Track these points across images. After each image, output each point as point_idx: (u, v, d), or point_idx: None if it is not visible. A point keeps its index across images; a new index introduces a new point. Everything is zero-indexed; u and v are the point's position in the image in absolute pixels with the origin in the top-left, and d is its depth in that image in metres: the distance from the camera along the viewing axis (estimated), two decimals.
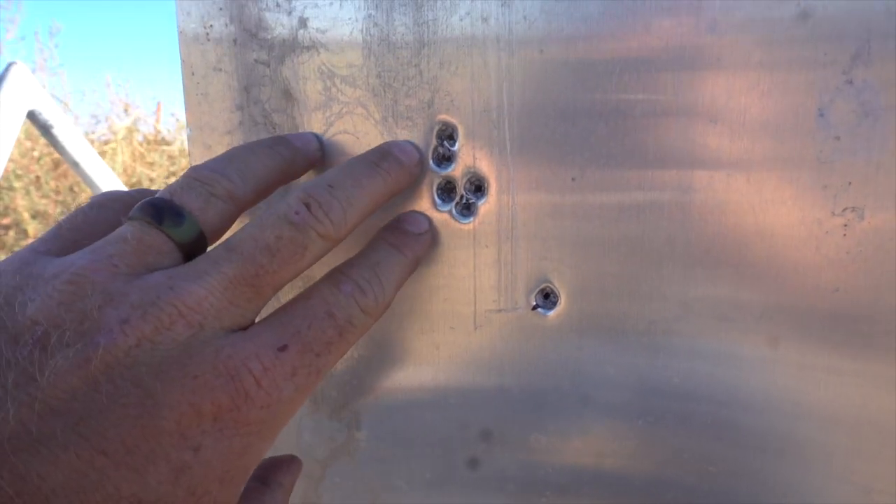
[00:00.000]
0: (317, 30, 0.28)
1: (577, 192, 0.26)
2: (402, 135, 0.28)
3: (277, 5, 0.28)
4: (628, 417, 0.27)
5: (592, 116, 0.25)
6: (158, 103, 3.95)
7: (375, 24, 0.27)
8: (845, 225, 0.23)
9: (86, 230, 0.24)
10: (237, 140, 0.30)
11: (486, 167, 0.27)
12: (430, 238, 0.28)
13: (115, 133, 3.62)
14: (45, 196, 3.15)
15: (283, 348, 0.22)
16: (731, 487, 0.26)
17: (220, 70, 0.30)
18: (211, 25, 0.30)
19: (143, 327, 0.20)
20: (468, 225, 0.27)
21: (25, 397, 0.19)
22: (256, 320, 0.23)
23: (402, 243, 0.27)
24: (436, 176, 0.28)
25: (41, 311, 0.20)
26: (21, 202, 3.07)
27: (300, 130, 0.29)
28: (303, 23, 0.28)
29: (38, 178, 3.24)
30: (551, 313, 0.27)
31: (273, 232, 0.23)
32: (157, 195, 0.24)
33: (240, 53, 0.29)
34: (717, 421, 0.26)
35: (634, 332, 0.26)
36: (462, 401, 0.29)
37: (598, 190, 0.26)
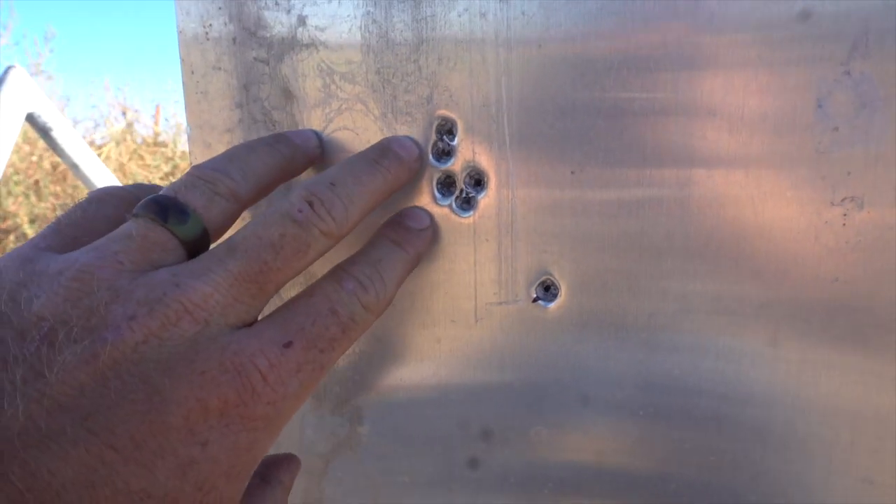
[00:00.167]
0: (315, 27, 0.28)
1: (576, 186, 0.26)
2: (402, 130, 0.28)
3: (276, 4, 0.28)
4: (629, 410, 0.27)
5: (591, 112, 0.25)
6: (157, 106, 3.95)
7: (374, 21, 0.27)
8: (844, 215, 0.23)
9: (85, 226, 0.24)
10: (237, 138, 0.30)
11: (485, 161, 0.27)
12: (432, 234, 0.28)
13: (112, 136, 3.62)
14: (42, 200, 3.15)
15: (288, 345, 0.22)
16: (732, 480, 0.27)
17: (220, 69, 0.30)
18: (210, 24, 0.30)
19: (150, 324, 0.20)
20: (468, 219, 0.28)
21: (34, 393, 0.19)
22: (259, 317, 0.23)
23: (403, 239, 0.27)
24: (435, 171, 0.28)
25: (47, 307, 0.20)
26: (20, 207, 3.07)
27: (300, 128, 0.29)
28: (302, 21, 0.28)
29: (36, 182, 3.24)
30: (552, 306, 0.27)
31: (277, 230, 0.23)
32: (160, 192, 0.24)
33: (239, 52, 0.30)
34: (718, 414, 0.26)
35: (634, 326, 0.26)
36: (463, 394, 0.29)
37: (597, 185, 0.26)
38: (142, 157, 3.64)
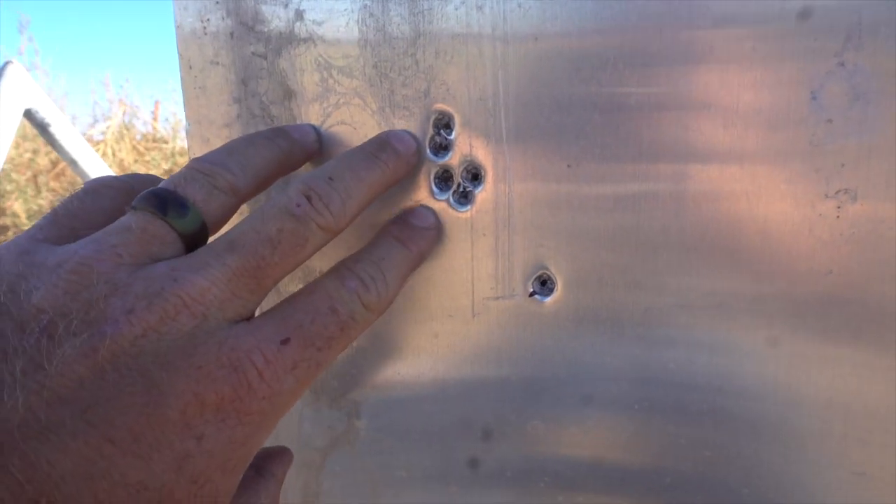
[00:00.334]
0: (313, 21, 0.28)
1: (572, 180, 0.26)
2: (399, 124, 0.28)
3: None
4: (624, 405, 0.27)
5: (587, 106, 0.25)
6: (156, 102, 3.94)
7: (371, 15, 0.27)
8: (838, 207, 0.23)
9: (82, 217, 0.24)
10: (235, 133, 0.30)
11: (482, 156, 0.27)
12: (437, 233, 0.28)
13: (110, 131, 3.61)
14: (39, 196, 3.14)
15: (285, 341, 0.22)
16: (727, 473, 0.27)
17: (218, 63, 0.30)
18: (208, 19, 0.30)
19: (149, 318, 0.20)
20: (465, 213, 0.28)
21: (34, 385, 0.19)
22: (258, 311, 0.23)
23: (407, 238, 0.27)
24: (433, 165, 0.28)
25: (46, 299, 0.20)
26: (18, 203, 3.07)
27: (298, 122, 0.29)
28: (299, 15, 0.28)
29: (35, 177, 3.23)
30: (548, 300, 0.27)
31: (274, 224, 0.23)
32: (160, 186, 0.24)
33: (237, 47, 0.30)
34: (713, 408, 0.26)
35: (630, 320, 0.26)
36: (460, 389, 0.29)
37: (593, 179, 0.26)
38: (141, 154, 3.63)
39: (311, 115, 0.29)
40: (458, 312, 0.29)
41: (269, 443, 0.24)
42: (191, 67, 0.31)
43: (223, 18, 0.29)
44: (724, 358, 0.26)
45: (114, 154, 3.50)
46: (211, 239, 0.24)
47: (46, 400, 0.19)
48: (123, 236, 0.22)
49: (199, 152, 0.31)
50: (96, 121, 3.83)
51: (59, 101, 3.82)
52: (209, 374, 0.20)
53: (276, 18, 0.29)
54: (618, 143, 0.25)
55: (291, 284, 0.31)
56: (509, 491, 0.30)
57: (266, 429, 0.22)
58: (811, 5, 0.22)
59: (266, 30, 0.29)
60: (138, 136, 3.76)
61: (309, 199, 0.24)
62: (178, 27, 0.30)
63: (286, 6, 0.28)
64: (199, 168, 0.24)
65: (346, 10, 0.28)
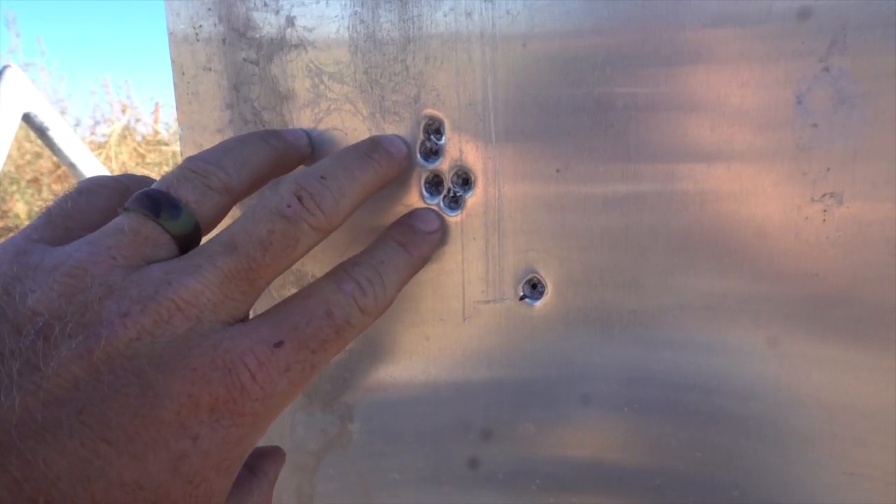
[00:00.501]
0: (304, 28, 0.28)
1: (561, 183, 0.26)
2: (390, 130, 0.28)
3: (265, 4, 0.29)
4: (616, 405, 0.28)
5: (575, 110, 0.25)
6: (157, 104, 3.95)
7: (361, 21, 0.27)
8: (824, 210, 0.23)
9: (76, 216, 0.24)
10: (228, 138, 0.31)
11: (472, 160, 0.27)
12: (440, 237, 0.28)
13: (110, 135, 3.62)
14: (41, 198, 3.15)
15: (278, 344, 0.22)
16: (717, 473, 0.27)
17: (210, 69, 0.30)
18: (200, 26, 0.30)
19: (143, 321, 0.21)
20: (456, 218, 0.28)
21: (30, 386, 0.19)
22: (252, 311, 0.23)
23: (409, 241, 0.27)
24: (423, 170, 0.28)
25: (42, 302, 0.20)
26: (20, 204, 3.08)
27: (289, 127, 0.29)
28: (290, 21, 0.28)
29: (36, 179, 3.24)
30: (538, 303, 0.28)
31: (265, 225, 0.23)
32: (152, 186, 0.24)
33: (229, 53, 0.30)
34: (703, 409, 0.27)
35: (620, 322, 0.27)
36: (452, 392, 0.30)
37: (582, 182, 0.26)
38: (142, 156, 3.64)
39: (303, 120, 0.29)
40: (450, 316, 0.29)
41: (262, 444, 0.24)
42: (183, 73, 0.31)
43: (215, 25, 0.30)
44: (715, 358, 0.26)
45: (115, 157, 3.50)
46: (205, 239, 0.24)
47: (43, 401, 0.19)
48: (117, 238, 0.22)
49: None
50: (97, 123, 3.84)
51: (62, 103, 3.83)
52: (203, 376, 0.21)
53: (268, 25, 0.29)
54: (606, 146, 0.25)
55: (284, 288, 0.31)
56: (502, 492, 0.30)
57: (260, 429, 0.22)
58: (796, 9, 0.22)
59: (258, 36, 0.29)
60: (138, 139, 3.77)
61: (300, 198, 0.24)
62: (170, 33, 0.30)
63: (277, 13, 0.29)
64: (193, 167, 0.24)
65: (336, 16, 0.28)
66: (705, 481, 0.27)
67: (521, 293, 0.28)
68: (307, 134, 0.29)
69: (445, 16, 0.26)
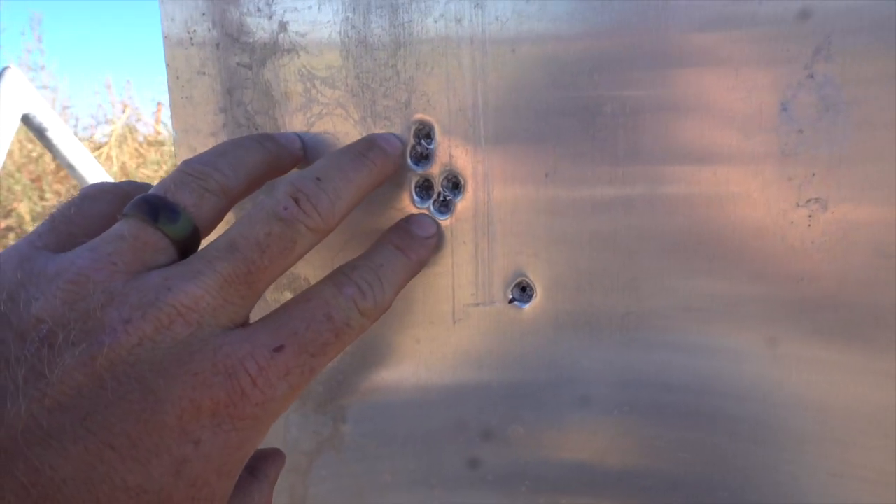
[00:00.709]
0: (296, 33, 0.29)
1: (550, 187, 0.26)
2: None
3: (258, 10, 0.29)
4: (604, 408, 0.28)
5: (564, 114, 0.26)
6: (158, 104, 3.95)
7: (353, 27, 0.28)
8: (810, 216, 0.23)
9: (79, 222, 0.24)
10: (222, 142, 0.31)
11: (462, 165, 0.27)
12: (437, 242, 0.28)
13: (114, 134, 3.63)
14: (43, 198, 3.16)
15: (279, 349, 0.22)
16: (706, 474, 0.27)
17: (204, 74, 0.30)
18: (194, 30, 0.30)
19: (145, 327, 0.21)
20: (446, 221, 0.28)
21: (35, 393, 0.20)
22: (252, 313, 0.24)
23: (407, 246, 0.27)
24: (414, 174, 0.28)
25: (45, 309, 0.21)
26: (22, 204, 3.08)
27: (282, 131, 0.30)
28: (283, 26, 0.29)
29: (38, 178, 3.25)
30: (527, 306, 0.28)
31: (263, 229, 0.23)
32: (150, 192, 0.24)
33: (222, 57, 0.30)
34: (692, 410, 0.27)
35: (609, 325, 0.27)
36: (443, 393, 0.30)
37: (571, 186, 0.26)
38: (143, 156, 3.64)
39: (295, 124, 0.30)
40: (440, 319, 0.29)
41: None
42: (178, 77, 0.31)
43: (209, 30, 0.30)
44: (703, 361, 0.26)
45: (116, 157, 3.51)
46: (204, 241, 0.24)
47: (48, 407, 0.19)
48: (117, 245, 0.22)
49: None
50: (98, 123, 3.85)
51: (64, 102, 3.83)
52: (205, 381, 0.21)
53: (261, 30, 0.29)
54: (594, 150, 0.26)
55: (278, 292, 0.31)
56: (493, 494, 0.30)
57: (260, 433, 0.22)
58: (781, 16, 0.23)
59: (251, 41, 0.29)
60: (140, 139, 3.78)
61: (297, 200, 0.24)
62: (165, 37, 0.31)
63: (270, 18, 0.29)
64: (190, 171, 0.25)
65: (328, 21, 0.28)
66: (696, 482, 0.27)
67: (511, 296, 0.28)
68: (300, 137, 0.29)
69: (436, 21, 0.26)
